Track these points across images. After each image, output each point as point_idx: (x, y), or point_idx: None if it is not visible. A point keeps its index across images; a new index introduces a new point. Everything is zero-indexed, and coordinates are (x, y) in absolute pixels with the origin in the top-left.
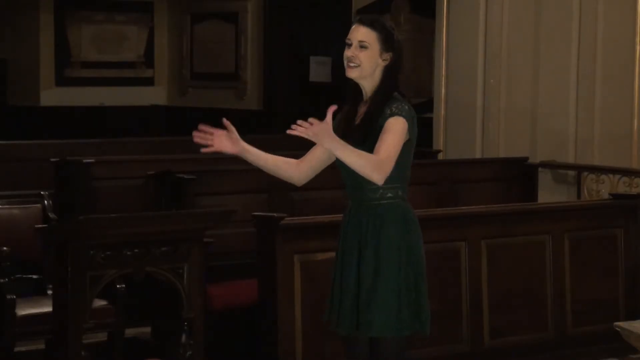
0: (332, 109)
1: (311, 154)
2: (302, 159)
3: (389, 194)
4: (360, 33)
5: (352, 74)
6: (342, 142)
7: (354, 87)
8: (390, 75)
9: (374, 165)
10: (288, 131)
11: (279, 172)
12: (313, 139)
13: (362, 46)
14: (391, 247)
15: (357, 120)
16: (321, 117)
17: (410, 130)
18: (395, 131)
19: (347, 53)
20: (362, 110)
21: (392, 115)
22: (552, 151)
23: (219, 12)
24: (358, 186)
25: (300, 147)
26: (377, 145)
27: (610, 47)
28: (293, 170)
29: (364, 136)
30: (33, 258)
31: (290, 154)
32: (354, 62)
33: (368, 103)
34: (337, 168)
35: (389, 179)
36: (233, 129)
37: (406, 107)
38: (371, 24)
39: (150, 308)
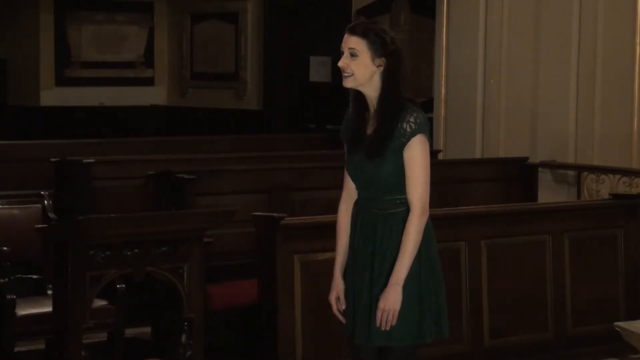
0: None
1: (348, 181)
2: (346, 188)
3: (404, 202)
4: (351, 41)
5: (347, 84)
6: (397, 276)
7: (356, 93)
8: (389, 80)
9: (420, 225)
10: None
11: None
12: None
13: (352, 54)
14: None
15: (368, 131)
16: (321, 117)
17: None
18: (420, 162)
19: (339, 63)
20: (372, 121)
21: (413, 133)
22: (552, 151)
23: (219, 12)
24: (372, 196)
25: (299, 148)
26: (408, 183)
27: (610, 47)
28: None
29: (377, 152)
30: (33, 258)
31: (289, 154)
32: (346, 72)
33: (376, 117)
34: (340, 168)
35: (405, 188)
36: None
37: (422, 118)
38: (360, 32)
39: (150, 308)
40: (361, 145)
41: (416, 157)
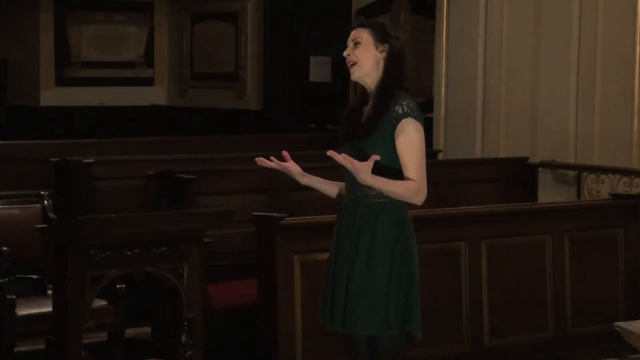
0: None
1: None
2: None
3: (386, 193)
4: (353, 33)
5: (354, 74)
6: (376, 177)
7: (361, 89)
8: (391, 66)
9: (412, 192)
10: (328, 152)
11: (332, 192)
12: (352, 172)
13: (356, 42)
14: (384, 247)
15: (364, 119)
16: (321, 117)
17: None
18: (415, 144)
19: (344, 53)
20: (368, 107)
21: (404, 115)
22: (552, 151)
23: (219, 12)
24: (355, 182)
25: (299, 148)
26: (404, 165)
27: (610, 47)
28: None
29: (368, 131)
30: (33, 258)
31: (290, 154)
32: (351, 60)
33: (372, 98)
34: (339, 168)
35: (390, 177)
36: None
37: (414, 104)
38: (362, 23)
39: (150, 308)
40: (356, 130)
41: (411, 139)
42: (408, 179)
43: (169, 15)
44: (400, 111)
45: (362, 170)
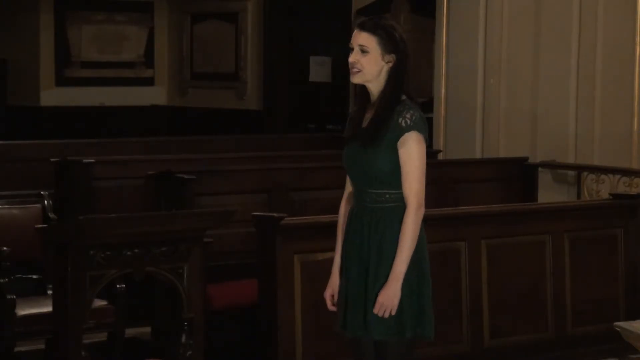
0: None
1: (349, 179)
2: (347, 187)
3: (394, 198)
4: (361, 38)
5: (355, 79)
6: (395, 274)
7: (361, 89)
8: (395, 76)
9: (416, 217)
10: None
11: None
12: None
13: (363, 51)
14: (394, 251)
15: (365, 124)
16: (321, 117)
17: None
18: (416, 159)
19: (349, 59)
20: (370, 113)
21: (408, 129)
22: (552, 151)
23: (219, 12)
24: (363, 189)
25: (299, 148)
26: (403, 178)
27: (610, 47)
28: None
29: (370, 140)
30: (33, 258)
31: (289, 154)
32: (356, 68)
33: (375, 107)
34: (340, 169)
35: (395, 184)
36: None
37: (418, 116)
38: (371, 29)
39: (150, 308)
40: (358, 135)
41: (412, 153)
42: (406, 195)
43: (169, 15)
44: (403, 124)
45: (392, 297)
